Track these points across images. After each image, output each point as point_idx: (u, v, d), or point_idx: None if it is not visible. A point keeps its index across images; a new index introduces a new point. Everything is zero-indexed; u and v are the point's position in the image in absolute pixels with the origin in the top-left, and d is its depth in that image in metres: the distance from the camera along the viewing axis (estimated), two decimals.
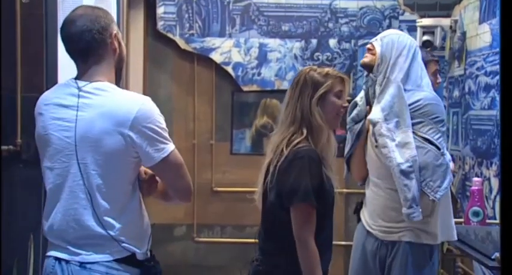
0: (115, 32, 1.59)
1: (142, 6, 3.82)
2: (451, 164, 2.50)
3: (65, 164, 1.53)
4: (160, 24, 3.85)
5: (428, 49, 3.68)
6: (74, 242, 1.53)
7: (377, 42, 2.19)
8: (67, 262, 1.52)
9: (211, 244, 3.96)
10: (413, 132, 2.05)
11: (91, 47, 1.55)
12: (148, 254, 1.61)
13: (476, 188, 2.55)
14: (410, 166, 2.02)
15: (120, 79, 1.66)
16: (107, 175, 1.51)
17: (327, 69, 1.92)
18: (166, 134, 1.55)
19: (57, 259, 1.54)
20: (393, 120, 2.05)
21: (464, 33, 3.46)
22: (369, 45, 2.22)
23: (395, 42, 2.15)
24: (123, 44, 1.65)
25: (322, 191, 1.82)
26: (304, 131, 1.85)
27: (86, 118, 1.51)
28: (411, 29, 3.80)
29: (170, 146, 1.54)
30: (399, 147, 2.04)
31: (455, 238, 2.17)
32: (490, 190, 2.97)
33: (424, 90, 2.11)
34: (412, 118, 2.05)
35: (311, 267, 1.82)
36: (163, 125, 1.55)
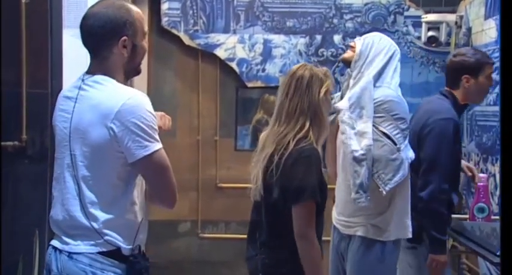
0: (125, 37, 1.56)
1: (146, 2, 3.82)
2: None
3: (63, 155, 1.57)
4: (164, 20, 3.85)
5: (434, 45, 3.68)
6: (66, 231, 1.56)
7: (359, 41, 2.29)
8: (60, 251, 1.56)
9: (215, 240, 3.96)
10: (374, 125, 2.13)
11: (95, 48, 1.58)
12: (137, 250, 1.59)
13: (482, 184, 2.55)
14: (363, 154, 2.10)
15: (138, 73, 1.67)
16: (92, 167, 1.52)
17: (325, 68, 2.03)
18: (152, 132, 1.51)
19: (54, 247, 1.58)
20: (357, 110, 2.15)
21: (469, 29, 3.44)
22: (351, 43, 2.33)
23: (375, 43, 2.24)
24: (140, 50, 1.60)
25: (322, 188, 1.88)
26: (307, 124, 1.91)
27: (79, 110, 1.54)
28: (416, 25, 3.79)
29: (155, 146, 1.51)
30: (357, 135, 2.13)
31: (409, 236, 2.21)
32: (496, 186, 2.96)
33: (390, 89, 2.19)
34: (374, 112, 2.13)
35: (316, 264, 1.87)
36: (151, 123, 1.51)
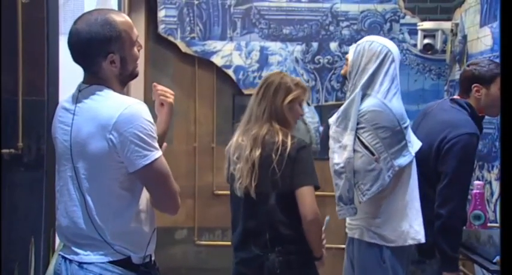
0: (111, 55, 1.53)
1: (143, 10, 3.82)
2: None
3: (65, 168, 1.57)
4: (161, 27, 3.86)
5: (429, 52, 3.69)
6: (76, 241, 1.56)
7: (351, 50, 2.33)
8: (70, 261, 1.56)
9: (212, 247, 3.95)
10: (357, 136, 2.15)
11: (84, 64, 1.58)
12: (148, 259, 1.61)
13: (478, 191, 2.55)
14: (342, 167, 2.15)
15: (135, 77, 1.66)
16: (94, 178, 1.52)
17: (298, 78, 2.24)
18: (151, 141, 1.50)
19: (63, 257, 1.58)
20: (343, 123, 2.19)
21: (465, 37, 3.46)
22: (347, 55, 2.32)
23: (365, 50, 2.20)
24: (130, 59, 1.58)
25: None
26: (277, 127, 2.13)
27: (78, 122, 1.54)
28: (412, 32, 3.80)
29: (155, 154, 1.51)
30: (341, 149, 2.17)
31: (408, 243, 2.17)
32: (492, 194, 2.97)
33: (376, 98, 2.15)
34: (358, 123, 2.15)
35: (320, 241, 2.14)
36: (150, 132, 1.50)
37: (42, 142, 2.47)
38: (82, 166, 1.53)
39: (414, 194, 2.20)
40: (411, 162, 2.16)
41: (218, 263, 3.91)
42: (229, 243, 3.94)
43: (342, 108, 2.22)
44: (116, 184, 1.52)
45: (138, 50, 1.62)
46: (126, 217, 1.55)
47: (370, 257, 2.19)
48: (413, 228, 2.17)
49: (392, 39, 3.83)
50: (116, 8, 3.54)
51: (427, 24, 3.63)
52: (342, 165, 2.14)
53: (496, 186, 2.93)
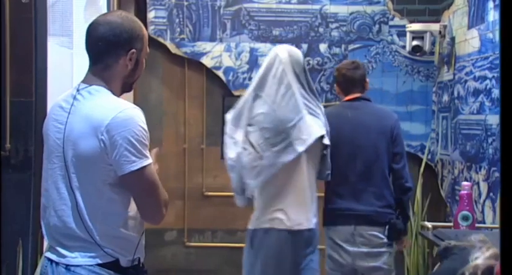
0: (134, 50, 1.57)
1: (133, 11, 3.81)
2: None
3: (56, 165, 1.55)
4: (150, 28, 3.85)
5: (418, 54, 3.72)
6: (63, 243, 1.54)
7: None
8: (57, 263, 1.54)
9: (202, 249, 3.94)
10: (247, 135, 2.37)
11: (101, 54, 1.57)
12: (137, 261, 1.59)
13: (465, 192, 2.57)
14: (233, 161, 2.36)
15: (131, 90, 1.67)
16: (84, 178, 1.51)
17: None
18: (142, 148, 1.48)
19: (49, 260, 1.56)
20: (236, 120, 2.41)
21: (453, 39, 3.49)
22: None
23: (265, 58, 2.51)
24: (140, 66, 1.62)
25: None
26: None
27: (72, 121, 1.53)
28: (401, 34, 3.83)
29: (144, 162, 1.49)
30: (234, 145, 2.37)
31: (270, 226, 2.36)
32: (479, 194, 2.99)
33: (264, 99, 2.38)
34: (249, 124, 2.37)
35: None
36: (141, 138, 1.49)
37: (30, 143, 2.45)
38: (73, 165, 1.51)
39: (303, 185, 2.38)
40: (298, 158, 2.35)
41: (208, 264, 3.91)
42: (219, 244, 3.96)
43: (237, 107, 2.43)
44: (106, 186, 1.51)
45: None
46: (115, 220, 1.53)
47: (246, 241, 2.49)
48: (287, 215, 2.36)
49: (381, 40, 3.88)
50: (105, 9, 3.53)
51: (416, 26, 3.66)
52: (232, 160, 2.36)
53: (483, 187, 2.95)
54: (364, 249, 2.63)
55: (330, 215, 2.69)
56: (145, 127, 1.52)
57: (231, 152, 2.37)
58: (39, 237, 2.40)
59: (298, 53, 2.49)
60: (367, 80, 2.83)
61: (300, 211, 2.38)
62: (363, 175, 2.66)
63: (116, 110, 1.48)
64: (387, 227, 2.64)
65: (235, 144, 2.36)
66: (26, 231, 2.38)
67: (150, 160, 1.51)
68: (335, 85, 2.94)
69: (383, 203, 2.65)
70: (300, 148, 2.33)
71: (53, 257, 1.56)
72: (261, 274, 2.37)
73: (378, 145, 2.67)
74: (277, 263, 2.35)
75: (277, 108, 2.34)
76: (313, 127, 2.38)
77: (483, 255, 1.34)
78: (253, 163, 2.32)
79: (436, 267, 1.79)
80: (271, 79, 2.38)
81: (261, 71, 2.43)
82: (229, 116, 2.46)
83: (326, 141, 2.44)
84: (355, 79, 2.76)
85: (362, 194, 2.64)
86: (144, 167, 1.49)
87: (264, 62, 2.46)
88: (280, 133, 2.32)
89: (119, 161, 1.47)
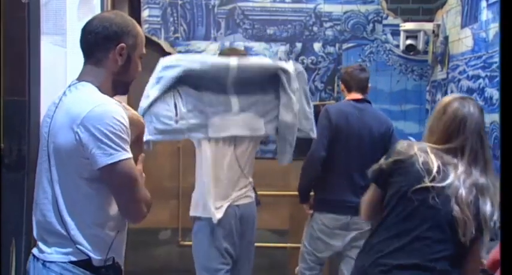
0: (123, 44, 1.58)
1: (126, 9, 3.80)
2: None
3: (43, 160, 1.57)
4: (145, 27, 3.84)
5: (412, 53, 3.73)
6: (44, 238, 1.56)
7: None
8: (37, 259, 1.55)
9: None
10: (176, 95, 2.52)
11: (91, 48, 1.59)
12: (110, 261, 1.57)
13: None
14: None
15: (126, 92, 1.67)
16: (62, 171, 1.52)
17: None
18: (120, 141, 1.46)
19: (33, 255, 1.58)
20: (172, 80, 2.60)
21: (446, 38, 3.50)
22: None
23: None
24: (133, 65, 1.63)
25: None
26: None
27: (56, 115, 1.54)
28: (395, 33, 3.84)
29: (122, 155, 1.46)
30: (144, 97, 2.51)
31: (204, 216, 2.65)
32: None
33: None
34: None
35: None
36: (119, 132, 1.46)
37: (23, 142, 2.44)
38: (54, 158, 1.52)
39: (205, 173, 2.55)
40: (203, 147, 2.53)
41: None
42: None
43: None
44: (83, 180, 1.50)
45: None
46: (90, 217, 1.52)
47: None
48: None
49: (375, 40, 3.89)
50: (98, 7, 3.52)
51: (409, 25, 3.67)
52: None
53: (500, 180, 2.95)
54: (356, 232, 2.92)
55: (327, 204, 2.96)
56: (125, 122, 1.49)
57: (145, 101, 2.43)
58: (32, 236, 2.39)
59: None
60: (369, 85, 3.07)
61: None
62: (362, 171, 2.71)
63: (93, 104, 1.48)
64: None
65: (145, 97, 2.45)
66: (19, 230, 2.37)
67: (128, 154, 1.49)
68: (340, 83, 3.20)
69: None
70: (153, 136, 2.38)
71: (36, 252, 1.57)
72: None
73: (377, 145, 2.90)
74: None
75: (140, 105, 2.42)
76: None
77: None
78: (166, 120, 2.38)
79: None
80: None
81: None
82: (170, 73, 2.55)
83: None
84: (362, 79, 3.02)
85: (359, 188, 2.72)
86: (122, 160, 1.47)
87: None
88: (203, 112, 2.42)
89: (95, 154, 1.45)
